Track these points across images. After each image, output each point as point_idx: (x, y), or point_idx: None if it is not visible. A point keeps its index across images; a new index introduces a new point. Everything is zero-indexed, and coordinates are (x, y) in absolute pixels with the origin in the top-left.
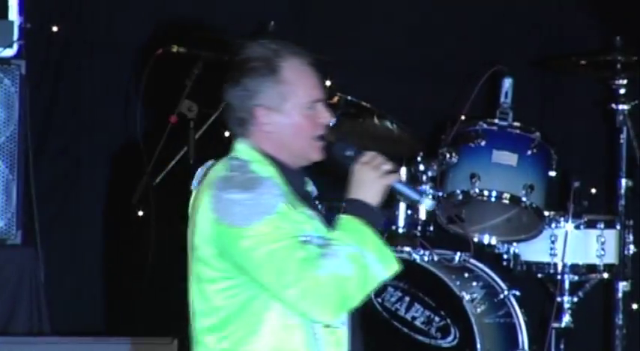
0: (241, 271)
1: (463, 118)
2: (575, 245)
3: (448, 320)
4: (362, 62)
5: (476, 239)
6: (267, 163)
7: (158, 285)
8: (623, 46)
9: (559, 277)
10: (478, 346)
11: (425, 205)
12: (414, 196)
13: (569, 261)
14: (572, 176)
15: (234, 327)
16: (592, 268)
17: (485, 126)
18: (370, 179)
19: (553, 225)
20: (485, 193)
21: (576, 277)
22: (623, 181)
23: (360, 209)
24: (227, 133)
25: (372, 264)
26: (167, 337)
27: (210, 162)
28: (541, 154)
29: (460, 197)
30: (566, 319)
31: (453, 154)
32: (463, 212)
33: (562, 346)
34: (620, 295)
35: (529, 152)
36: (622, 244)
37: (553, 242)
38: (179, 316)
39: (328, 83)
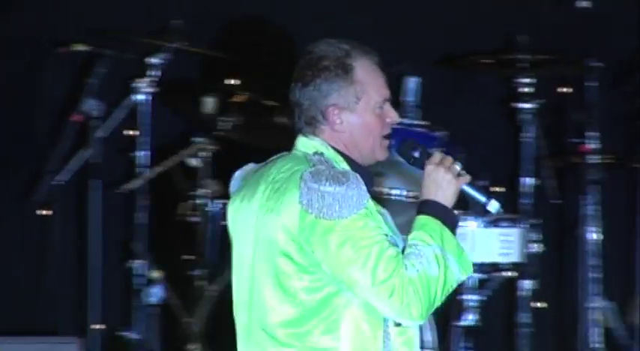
0: (321, 265)
1: None
2: (479, 244)
3: None
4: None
5: None
6: (341, 160)
7: (62, 284)
8: (527, 45)
9: None
10: None
11: (491, 208)
12: (482, 198)
13: (473, 260)
14: (477, 175)
15: (313, 323)
16: (496, 267)
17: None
18: (446, 180)
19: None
20: (390, 191)
21: (481, 276)
22: (527, 180)
23: (437, 210)
24: (131, 132)
25: (452, 265)
26: (71, 337)
27: (250, 165)
28: (446, 153)
29: None
30: (471, 317)
31: None
32: None
33: (469, 345)
34: (523, 293)
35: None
36: (525, 243)
37: None
38: (83, 315)
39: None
